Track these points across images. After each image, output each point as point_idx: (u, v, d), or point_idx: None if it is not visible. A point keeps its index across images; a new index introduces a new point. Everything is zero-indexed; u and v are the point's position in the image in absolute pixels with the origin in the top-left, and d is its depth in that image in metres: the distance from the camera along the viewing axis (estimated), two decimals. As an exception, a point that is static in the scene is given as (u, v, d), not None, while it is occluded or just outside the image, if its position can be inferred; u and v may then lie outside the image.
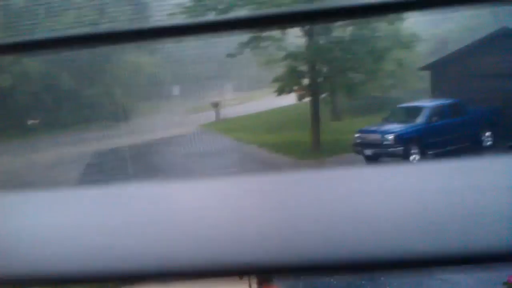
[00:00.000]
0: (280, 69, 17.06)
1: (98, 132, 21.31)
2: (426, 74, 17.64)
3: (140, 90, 22.80)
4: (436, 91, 16.66)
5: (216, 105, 22.46)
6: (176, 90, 25.12)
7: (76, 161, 18.40)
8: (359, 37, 15.73)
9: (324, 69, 16.71)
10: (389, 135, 13.47)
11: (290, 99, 17.93)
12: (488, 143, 14.63)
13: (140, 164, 16.72)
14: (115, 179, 14.96)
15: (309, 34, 16.44)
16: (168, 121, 23.15)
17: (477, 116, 14.41)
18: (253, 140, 18.57)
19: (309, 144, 16.39)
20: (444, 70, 16.25)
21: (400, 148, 13.26)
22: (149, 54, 23.77)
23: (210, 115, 23.54)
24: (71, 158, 19.01)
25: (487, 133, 14.61)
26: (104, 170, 16.53)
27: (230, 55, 17.06)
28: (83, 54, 21.06)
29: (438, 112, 14.20)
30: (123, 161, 17.49)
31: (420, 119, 14.08)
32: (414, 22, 16.90)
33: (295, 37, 17.57)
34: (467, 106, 14.51)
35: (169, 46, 22.02)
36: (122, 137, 21.11)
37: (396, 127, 13.95)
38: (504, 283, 2.04)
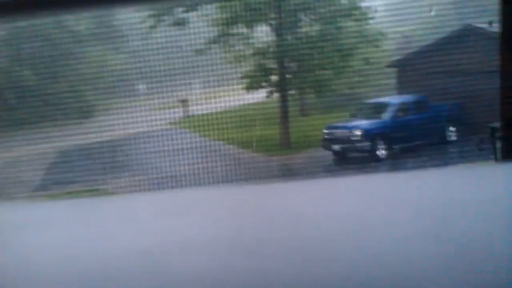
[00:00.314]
0: (248, 66, 17.08)
1: (62, 130, 20.86)
2: (392, 71, 17.91)
3: (105, 87, 22.45)
4: (402, 87, 16.95)
5: (184, 102, 22.29)
6: (142, 87, 24.82)
7: (36, 159, 17.97)
8: (326, 35, 15.90)
9: (293, 66, 16.81)
10: (357, 130, 13.66)
11: (259, 96, 17.95)
12: (452, 138, 15.00)
13: (105, 162, 16.46)
14: (78, 177, 14.69)
15: (277, 31, 16.52)
16: (134, 119, 22.84)
17: (442, 112, 14.75)
18: (221, 137, 18.52)
19: (278, 140, 16.47)
20: (410, 67, 16.56)
21: (367, 144, 13.47)
22: (114, 51, 23.40)
23: (177, 113, 23.35)
24: (31, 157, 18.56)
25: (451, 129, 14.98)
26: (67, 168, 16.21)
27: (198, 52, 16.99)
28: (46, 51, 20.62)
29: (404, 108, 14.49)
30: (87, 159, 17.19)
31: (386, 115, 14.34)
32: (380, 20, 17.17)
33: (263, 34, 17.62)
34: (432, 102, 14.84)
35: (135, 43, 21.77)
36: (86, 135, 20.72)
37: (363, 123, 14.17)
38: None
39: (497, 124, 3.34)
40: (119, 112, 22.85)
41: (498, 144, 3.47)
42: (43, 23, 21.11)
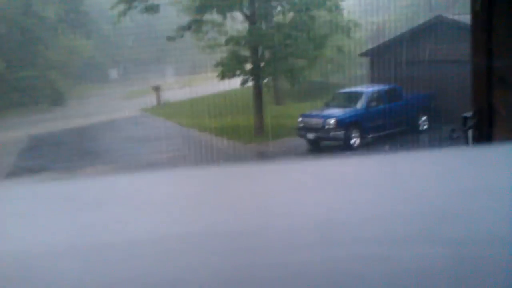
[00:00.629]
0: (222, 54, 16.99)
1: (32, 117, 20.48)
2: (365, 60, 18.07)
3: (76, 73, 22.09)
4: (374, 77, 17.12)
5: (156, 89, 22.09)
6: (114, 74, 24.48)
7: (8, 147, 17.63)
8: (299, 23, 15.91)
9: (266, 54, 16.79)
10: (331, 119, 13.75)
11: (232, 83, 17.90)
12: (424, 127, 15.22)
13: (76, 149, 16.23)
14: (49, 166, 14.47)
15: (250, 19, 16.46)
16: (107, 105, 22.57)
17: (414, 101, 14.95)
18: (195, 125, 18.44)
19: (252, 128, 16.47)
20: (382, 56, 16.72)
21: (341, 132, 13.58)
22: (86, 37, 22.98)
23: (150, 99, 23.15)
24: (2, 143, 18.21)
25: (423, 118, 15.19)
26: (37, 156, 15.94)
27: (170, 38, 16.80)
28: (14, 36, 20.16)
29: (377, 97, 14.63)
30: (58, 147, 16.93)
31: (360, 104, 14.46)
32: (352, 10, 17.27)
33: (236, 21, 17.54)
34: (404, 91, 15.03)
35: (107, 28, 21.44)
36: (57, 121, 20.41)
37: (337, 111, 14.26)
38: None
39: (469, 114, 3.39)
40: (90, 99, 22.53)
41: (470, 134, 3.52)
42: (11, 7, 20.61)
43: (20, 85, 20.28)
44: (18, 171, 14.40)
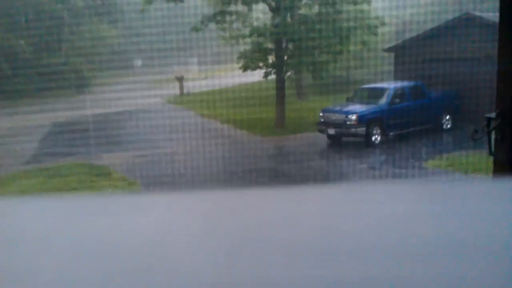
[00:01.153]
0: (245, 46, 16.97)
1: (56, 103, 20.75)
2: (390, 56, 17.87)
3: (102, 61, 22.29)
4: (399, 73, 16.92)
5: (180, 79, 22.19)
6: (139, 62, 24.66)
7: (33, 132, 17.92)
8: (324, 17, 15.76)
9: (290, 47, 16.71)
10: (352, 115, 13.64)
11: (255, 76, 17.88)
12: (448, 126, 15.00)
13: (101, 136, 16.41)
14: (72, 150, 14.66)
15: (275, 11, 16.38)
16: (131, 94, 22.73)
17: (438, 99, 14.74)
18: (217, 116, 18.49)
19: (273, 121, 16.45)
20: (407, 52, 16.50)
21: (362, 129, 13.46)
22: (111, 24, 23.19)
23: (174, 89, 23.28)
24: (28, 128, 18.49)
25: (447, 117, 14.98)
26: (63, 141, 16.16)
27: (195, 29, 16.83)
28: (41, 22, 20.39)
29: (400, 94, 14.46)
30: (84, 133, 17.13)
31: (382, 101, 14.31)
32: (379, 4, 17.06)
33: (261, 13, 17.47)
34: (428, 89, 14.83)
35: (132, 17, 21.57)
36: (83, 109, 20.65)
37: (359, 107, 14.14)
38: None
39: (492, 115, 3.34)
40: (115, 87, 22.74)
41: (493, 135, 3.47)
42: (39, -6, 20.85)
43: (47, 71, 20.56)
44: (41, 156, 14.64)
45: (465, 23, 14.92)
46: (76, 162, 13.34)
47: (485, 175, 9.75)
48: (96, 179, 11.33)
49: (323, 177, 10.74)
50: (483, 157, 10.64)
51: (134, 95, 21.93)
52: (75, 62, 21.32)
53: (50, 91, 20.53)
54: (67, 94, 21.41)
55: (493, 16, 14.34)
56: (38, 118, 19.94)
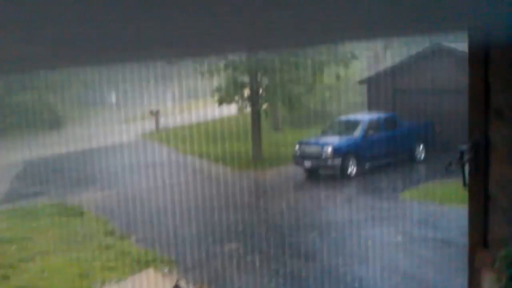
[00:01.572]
0: (221, 79, 17.02)
1: (29, 140, 20.39)
2: (363, 88, 18.11)
3: (74, 97, 22.10)
4: (372, 104, 17.12)
5: (155, 114, 22.07)
6: (113, 98, 24.49)
7: (4, 171, 17.53)
8: (298, 51, 15.92)
9: (265, 81, 16.81)
10: (328, 147, 13.67)
11: (231, 109, 17.89)
12: (422, 157, 15.09)
13: (74, 175, 16.12)
14: (44, 190, 14.35)
15: (250, 46, 16.52)
16: (105, 130, 22.47)
17: (411, 130, 14.89)
18: (193, 150, 18.36)
19: (250, 155, 16.39)
20: (380, 84, 16.76)
21: (338, 161, 13.48)
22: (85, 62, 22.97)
23: (149, 124, 23.10)
24: (-1, 167, 18.09)
25: (420, 147, 15.11)
26: (35, 180, 15.82)
27: (170, 62, 16.82)
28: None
29: (375, 125, 14.58)
30: (56, 171, 16.82)
31: (357, 132, 14.40)
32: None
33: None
34: (401, 120, 14.99)
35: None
36: (55, 146, 20.31)
37: (334, 139, 14.20)
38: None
39: (465, 147, 3.34)
40: (89, 123, 22.49)
41: (467, 168, 3.47)
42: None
43: (18, 108, 20.26)
44: (13, 196, 14.29)
45: (435, 54, 15.21)
46: (49, 202, 13.04)
47: (460, 204, 9.78)
48: (68, 219, 11.05)
49: (300, 210, 10.67)
50: (457, 187, 10.71)
51: (109, 132, 21.66)
52: (48, 98, 21.06)
53: (22, 129, 20.20)
54: (39, 130, 21.06)
55: (463, 46, 14.67)
56: (9, 155, 19.52)
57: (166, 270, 7.78)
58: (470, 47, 3.47)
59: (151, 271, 7.76)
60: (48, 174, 16.17)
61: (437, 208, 10.07)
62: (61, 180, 15.05)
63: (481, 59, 3.30)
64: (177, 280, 6.26)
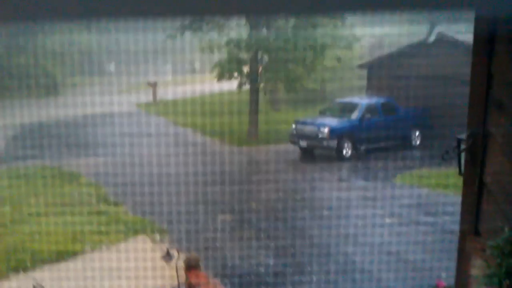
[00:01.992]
0: (221, 55, 16.94)
1: (27, 104, 20.33)
2: (363, 72, 18.10)
3: (74, 65, 21.99)
4: (371, 89, 17.13)
5: (153, 86, 22.01)
6: (112, 67, 24.37)
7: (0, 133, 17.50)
8: (300, 31, 15.84)
9: (265, 59, 16.76)
10: (324, 128, 13.71)
11: (229, 86, 17.86)
12: (417, 143, 15.23)
13: (70, 140, 16.13)
14: (41, 154, 14.36)
15: (251, 22, 16.40)
16: (102, 98, 22.41)
17: (408, 116, 14.96)
18: (189, 124, 18.37)
19: (245, 131, 16.43)
20: (380, 69, 16.74)
21: (334, 142, 13.55)
22: (86, 30, 22.89)
23: (146, 96, 23.05)
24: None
25: (416, 133, 15.20)
26: (31, 144, 15.82)
27: (171, 36, 16.75)
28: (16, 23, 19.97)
29: (372, 109, 14.62)
30: (52, 136, 16.82)
31: (354, 115, 14.44)
32: (354, 21, 17.27)
33: (237, 23, 17.48)
34: (399, 105, 15.04)
35: (107, 23, 21.34)
36: (52, 111, 20.27)
37: (332, 121, 14.24)
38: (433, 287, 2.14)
39: (463, 136, 3.39)
40: (86, 90, 22.40)
41: (463, 156, 3.52)
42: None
43: (17, 72, 20.16)
44: (6, 158, 14.30)
45: (437, 43, 15.20)
46: (44, 165, 13.06)
47: (452, 192, 9.90)
48: (63, 183, 11.10)
49: (292, 188, 10.76)
50: (451, 175, 10.82)
51: (106, 100, 21.59)
52: (46, 64, 20.94)
53: (18, 92, 20.11)
54: (37, 97, 20.99)
55: (465, 37, 14.67)
56: (6, 118, 19.47)
57: (157, 238, 7.87)
58: (475, 38, 3.49)
59: (142, 238, 7.85)
60: (44, 138, 16.16)
61: (430, 194, 10.18)
62: (57, 145, 15.05)
63: (485, 50, 3.33)
64: (168, 248, 6.35)
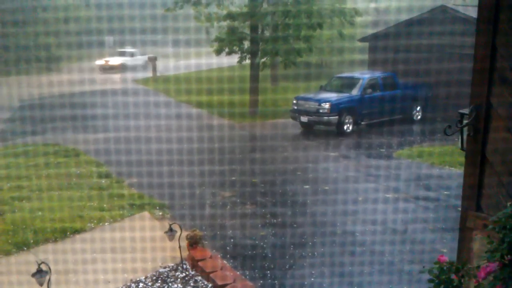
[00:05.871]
0: (220, 29, 16.77)
1: (25, 79, 20.22)
2: (364, 46, 17.95)
3: (73, 38, 21.82)
4: (372, 63, 17.02)
5: (152, 60, 21.85)
6: (111, 41, 24.16)
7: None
8: (301, 5, 15.59)
9: (266, 33, 16.58)
10: (325, 103, 13.64)
11: (230, 60, 17.74)
12: (418, 117, 15.20)
13: (71, 115, 16.09)
14: (42, 130, 14.34)
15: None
16: (100, 73, 22.31)
17: (409, 90, 14.89)
18: (189, 99, 18.31)
19: (246, 106, 16.37)
20: (381, 43, 16.59)
21: (335, 117, 13.49)
22: (84, 3, 22.66)
23: (146, 71, 22.91)
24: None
25: (418, 108, 15.17)
26: (31, 120, 15.79)
27: (169, 9, 16.57)
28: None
29: (373, 84, 14.52)
30: (52, 111, 16.79)
31: (355, 90, 14.35)
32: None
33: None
34: (400, 80, 14.95)
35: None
36: (52, 86, 20.21)
37: (332, 96, 14.16)
38: (435, 263, 2.12)
39: (465, 110, 3.35)
40: (85, 65, 22.26)
41: (466, 131, 3.49)
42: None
43: (15, 44, 20.00)
44: (4, 135, 14.28)
45: (440, 16, 15.01)
46: (44, 142, 13.04)
47: (453, 167, 9.91)
48: (64, 160, 11.10)
49: (293, 164, 10.75)
50: (452, 150, 10.82)
51: (103, 75, 21.48)
52: (45, 39, 20.82)
53: (17, 67, 19.99)
54: (36, 71, 20.88)
55: (469, 10, 14.49)
56: (4, 93, 19.41)
57: (160, 214, 7.89)
58: (479, 9, 3.42)
59: (145, 214, 7.87)
60: (45, 114, 16.14)
61: (430, 169, 10.17)
62: (57, 120, 15.02)
63: (490, 22, 3.26)
64: (170, 225, 6.37)
